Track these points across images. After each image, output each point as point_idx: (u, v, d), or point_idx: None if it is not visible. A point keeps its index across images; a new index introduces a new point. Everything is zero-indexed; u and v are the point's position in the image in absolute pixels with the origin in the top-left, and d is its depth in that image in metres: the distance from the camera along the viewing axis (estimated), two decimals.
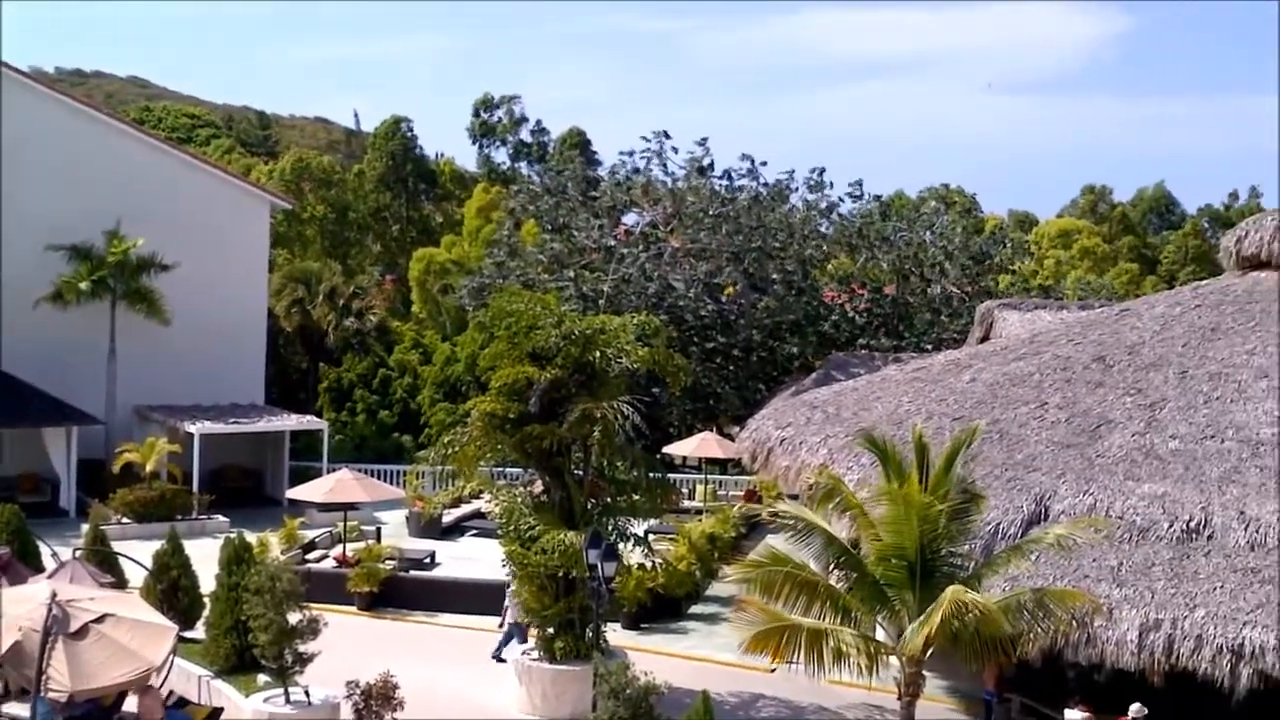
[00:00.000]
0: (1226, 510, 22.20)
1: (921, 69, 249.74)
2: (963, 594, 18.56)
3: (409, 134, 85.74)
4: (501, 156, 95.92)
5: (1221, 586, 20.76)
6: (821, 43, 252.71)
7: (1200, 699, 20.97)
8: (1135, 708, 21.10)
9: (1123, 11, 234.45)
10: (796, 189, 54.27)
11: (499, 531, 26.88)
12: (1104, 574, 21.54)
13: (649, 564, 29.87)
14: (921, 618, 19.03)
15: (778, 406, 34.99)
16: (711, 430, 47.38)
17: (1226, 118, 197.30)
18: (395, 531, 39.80)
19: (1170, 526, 22.26)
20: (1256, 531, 21.66)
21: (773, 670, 20.63)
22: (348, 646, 26.18)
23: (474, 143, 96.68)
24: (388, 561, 33.75)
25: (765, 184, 53.75)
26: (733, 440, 40.41)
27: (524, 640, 27.75)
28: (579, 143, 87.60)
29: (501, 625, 29.24)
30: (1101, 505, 23.06)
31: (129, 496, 40.10)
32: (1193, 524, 22.19)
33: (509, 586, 28.49)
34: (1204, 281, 33.90)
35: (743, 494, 45.23)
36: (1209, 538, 21.94)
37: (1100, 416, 26.02)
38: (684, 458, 46.31)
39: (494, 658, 28.27)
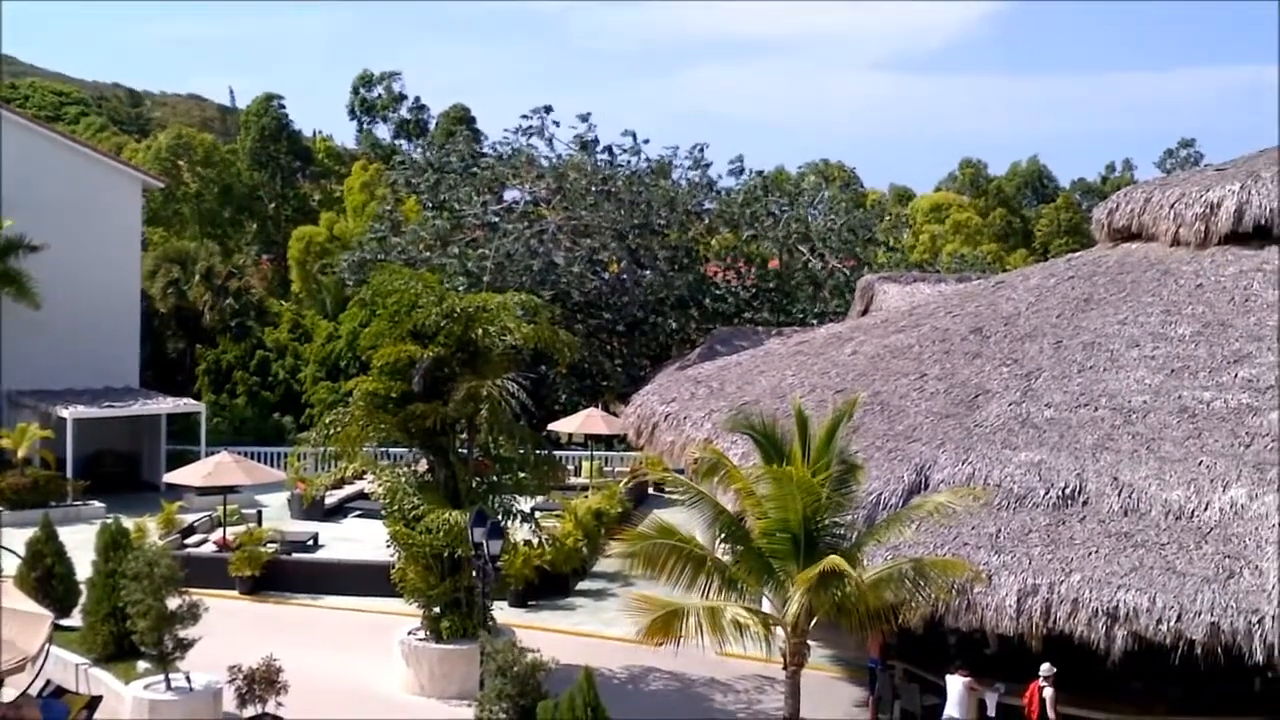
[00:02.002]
0: (1100, 477, 22.66)
1: (803, 48, 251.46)
2: (838, 563, 18.75)
3: (281, 110, 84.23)
4: (383, 133, 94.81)
5: (1096, 551, 21.20)
6: (702, 21, 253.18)
7: (1078, 661, 21.46)
8: (1045, 667, 21.53)
9: None
10: (680, 165, 54.42)
11: (383, 512, 26.69)
12: (983, 541, 21.90)
13: (535, 541, 29.81)
14: (802, 586, 19.20)
15: (662, 382, 35.09)
16: (597, 407, 47.41)
17: (1100, 95, 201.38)
18: (277, 514, 39.40)
19: (1046, 493, 22.67)
20: (1129, 497, 22.13)
21: (661, 644, 20.70)
22: (230, 631, 25.90)
23: (353, 119, 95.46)
24: (269, 545, 33.37)
25: (648, 160, 53.79)
26: (618, 416, 40.47)
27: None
28: (462, 118, 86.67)
29: None
30: (980, 474, 23.41)
31: (0, 483, 39.12)
32: (1068, 490, 22.61)
33: None
34: (1077, 253, 34.58)
35: (629, 469, 45.35)
36: (1084, 504, 22.38)
37: (978, 387, 26.43)
38: (569, 435, 46.29)
39: None
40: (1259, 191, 28.47)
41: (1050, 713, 21.48)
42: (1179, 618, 19.79)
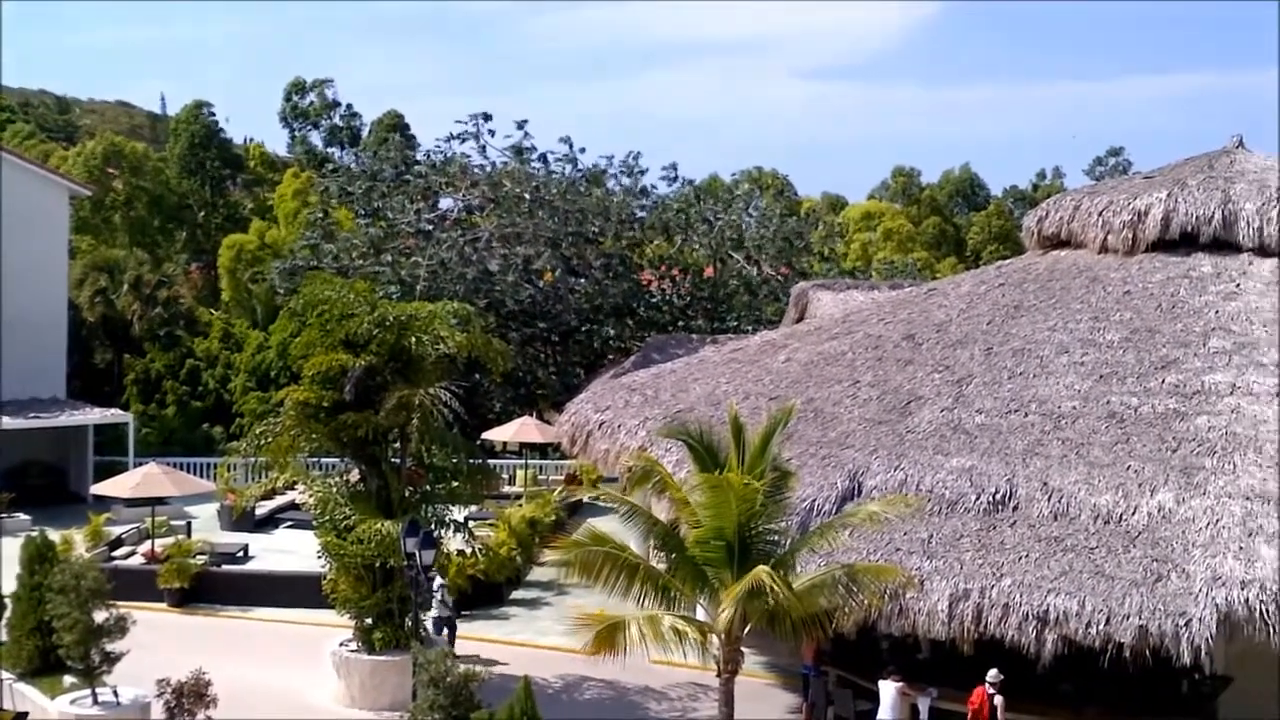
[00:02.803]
0: (1030, 482, 22.86)
1: (737, 54, 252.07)
2: (764, 574, 18.78)
3: (211, 117, 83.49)
4: (315, 140, 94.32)
5: (1026, 556, 21.37)
6: (637, 27, 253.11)
7: (1009, 665, 21.59)
8: (992, 673, 21.59)
9: None
10: (614, 174, 54.39)
11: (314, 522, 26.48)
12: (915, 547, 22.01)
13: (469, 551, 29.65)
14: (731, 598, 19.22)
15: (597, 390, 35.02)
16: (531, 415, 47.27)
17: (1031, 102, 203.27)
18: (207, 525, 38.97)
19: (978, 499, 22.83)
20: (1059, 501, 22.34)
21: (596, 654, 20.63)
22: (158, 644, 25.56)
23: (285, 127, 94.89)
24: (199, 556, 33.01)
25: (582, 168, 53.73)
26: (553, 425, 40.34)
27: (452, 633, 27.66)
28: (396, 125, 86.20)
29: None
30: (912, 480, 23.54)
31: None
32: (999, 496, 22.79)
33: (437, 579, 28.29)
34: (1007, 261, 34.89)
35: (563, 478, 45.27)
36: (1014, 509, 22.56)
37: (910, 393, 26.58)
38: (504, 443, 46.12)
39: None
40: (1185, 199, 28.87)
41: (1000, 719, 21.58)
42: (1108, 621, 19.98)
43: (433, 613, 28.16)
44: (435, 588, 28.45)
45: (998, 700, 21.55)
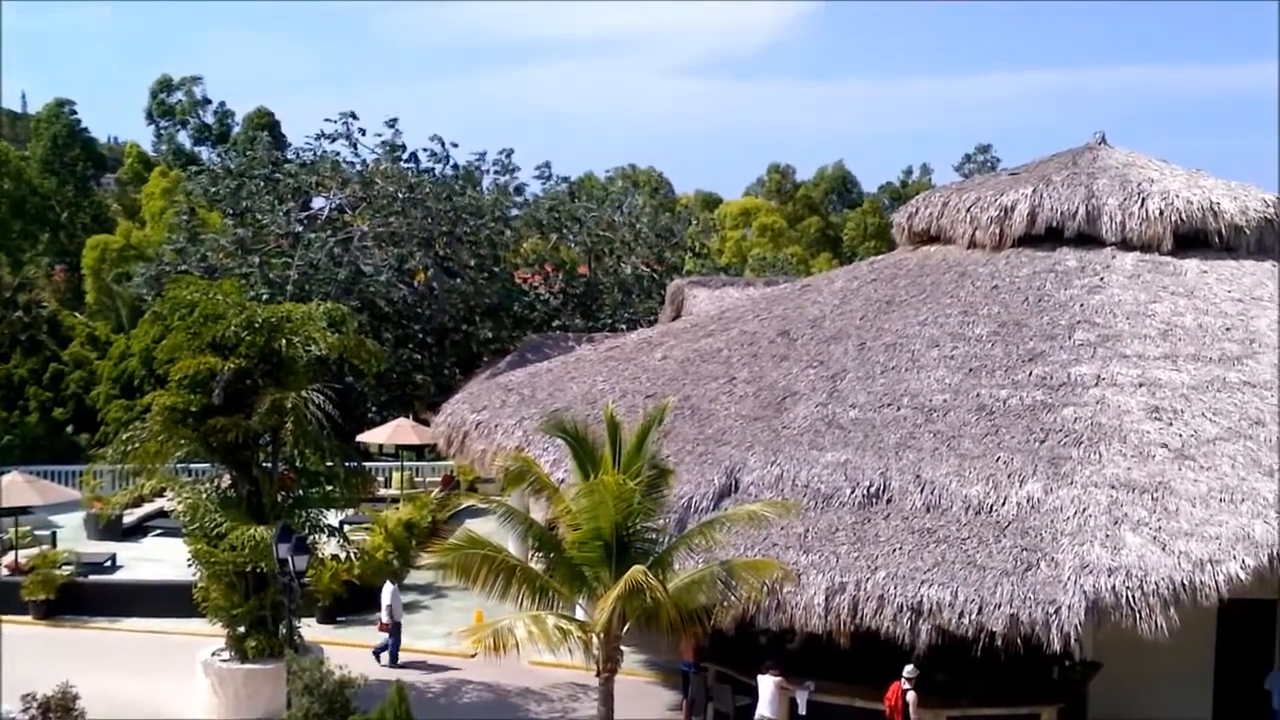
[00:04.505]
0: (904, 475, 23.13)
1: (612, 52, 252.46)
2: (640, 574, 18.77)
3: (73, 116, 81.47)
4: (184, 139, 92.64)
5: (900, 548, 21.62)
6: (509, 24, 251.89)
7: (884, 656, 21.83)
8: (909, 669, 21.76)
9: None
10: (487, 171, 54.11)
11: (184, 530, 25.94)
12: (792, 541, 22.15)
13: (344, 555, 29.25)
14: (609, 598, 19.17)
15: (473, 390, 34.76)
16: (408, 417, 46.85)
17: (901, 99, 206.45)
18: (72, 535, 37.98)
19: (852, 492, 23.05)
20: (931, 494, 22.64)
21: (473, 656, 20.49)
22: (24, 658, 25.02)
23: (150, 124, 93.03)
24: (65, 567, 32.14)
25: (455, 166, 53.36)
26: (429, 426, 39.99)
27: (397, 640, 27.70)
28: (266, 124, 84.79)
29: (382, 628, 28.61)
30: (788, 475, 23.69)
31: None
32: (873, 489, 23.03)
33: (388, 585, 28.00)
34: (879, 256, 35.30)
35: (440, 479, 44.92)
36: (888, 501, 22.81)
37: (786, 389, 26.76)
38: (380, 445, 45.65)
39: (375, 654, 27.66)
40: (1050, 195, 29.46)
41: (913, 714, 21.76)
42: (980, 610, 20.28)
43: (383, 617, 28.09)
44: (388, 594, 28.20)
45: (910, 696, 21.77)
